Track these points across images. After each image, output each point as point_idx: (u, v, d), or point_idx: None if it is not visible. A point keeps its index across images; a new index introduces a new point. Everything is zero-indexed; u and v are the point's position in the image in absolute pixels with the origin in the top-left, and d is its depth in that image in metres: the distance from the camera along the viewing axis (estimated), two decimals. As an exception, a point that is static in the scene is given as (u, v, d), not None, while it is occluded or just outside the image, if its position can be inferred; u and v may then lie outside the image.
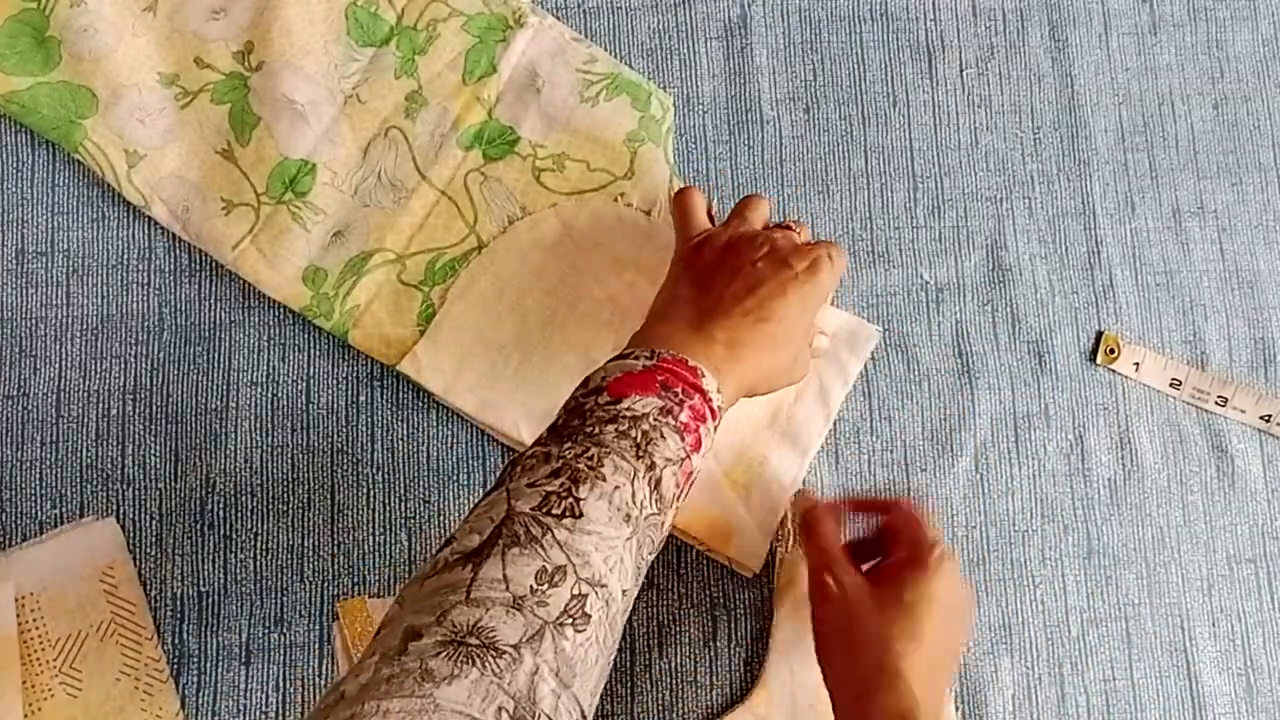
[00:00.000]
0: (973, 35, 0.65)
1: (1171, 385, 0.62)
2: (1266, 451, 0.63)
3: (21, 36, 0.59)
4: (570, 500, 0.41)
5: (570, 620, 0.39)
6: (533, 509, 0.40)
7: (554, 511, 0.40)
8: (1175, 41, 0.66)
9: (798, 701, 0.57)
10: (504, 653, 0.36)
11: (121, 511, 0.57)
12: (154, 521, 0.57)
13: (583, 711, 0.38)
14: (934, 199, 0.64)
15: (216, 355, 0.59)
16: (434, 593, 0.39)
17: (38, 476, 0.57)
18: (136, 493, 0.57)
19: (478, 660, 0.36)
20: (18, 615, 0.54)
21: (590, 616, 0.39)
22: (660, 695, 0.58)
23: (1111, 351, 0.62)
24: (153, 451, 0.58)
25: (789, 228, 0.55)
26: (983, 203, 0.64)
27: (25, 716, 0.53)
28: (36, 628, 0.55)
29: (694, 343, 0.48)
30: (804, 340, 0.54)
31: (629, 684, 0.58)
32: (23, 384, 0.58)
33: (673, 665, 0.58)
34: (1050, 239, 0.64)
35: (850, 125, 0.64)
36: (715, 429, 0.47)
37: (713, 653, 0.58)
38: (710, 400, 0.47)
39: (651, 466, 0.43)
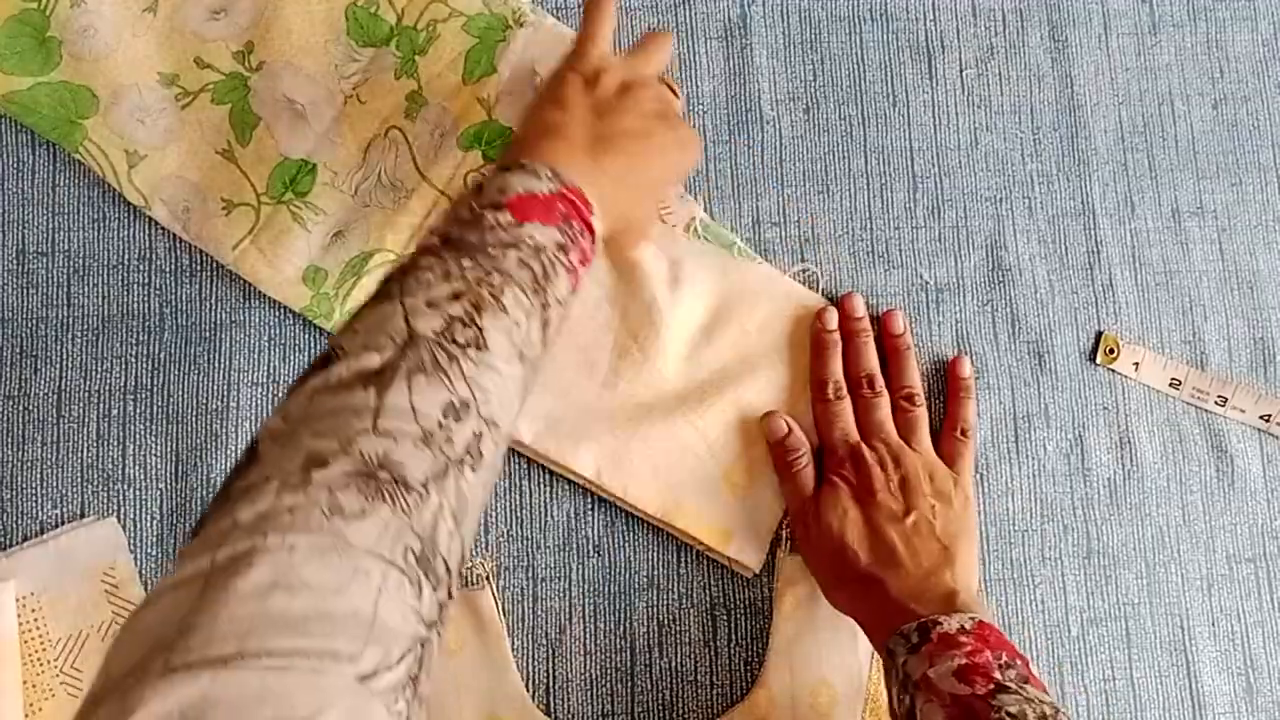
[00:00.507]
0: (973, 35, 0.65)
1: (1171, 385, 0.62)
2: (1266, 451, 0.63)
3: (22, 36, 0.59)
4: (475, 330, 0.38)
5: (470, 459, 0.37)
6: (436, 333, 0.38)
7: (459, 340, 0.38)
8: (1175, 41, 0.66)
9: (798, 701, 0.57)
10: (413, 489, 0.34)
11: (122, 512, 0.57)
12: (155, 522, 0.57)
13: (464, 554, 0.37)
14: (934, 199, 0.64)
15: (217, 355, 0.59)
16: (333, 414, 0.36)
17: (39, 477, 0.57)
18: (137, 493, 0.57)
19: (388, 496, 0.34)
20: (19, 615, 0.54)
21: (484, 456, 0.37)
22: (660, 695, 0.58)
23: (1111, 351, 0.62)
24: (154, 452, 0.58)
25: (674, 90, 0.55)
26: (982, 203, 0.64)
27: (26, 716, 0.53)
28: (37, 628, 0.55)
29: (590, 172, 0.46)
30: (657, 204, 0.56)
31: (629, 684, 0.58)
32: (24, 384, 0.58)
33: (673, 665, 0.58)
34: (1050, 239, 0.64)
35: (850, 125, 0.64)
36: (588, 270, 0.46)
37: (713, 653, 0.58)
38: (594, 243, 0.46)
39: (545, 305, 0.41)
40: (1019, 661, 0.46)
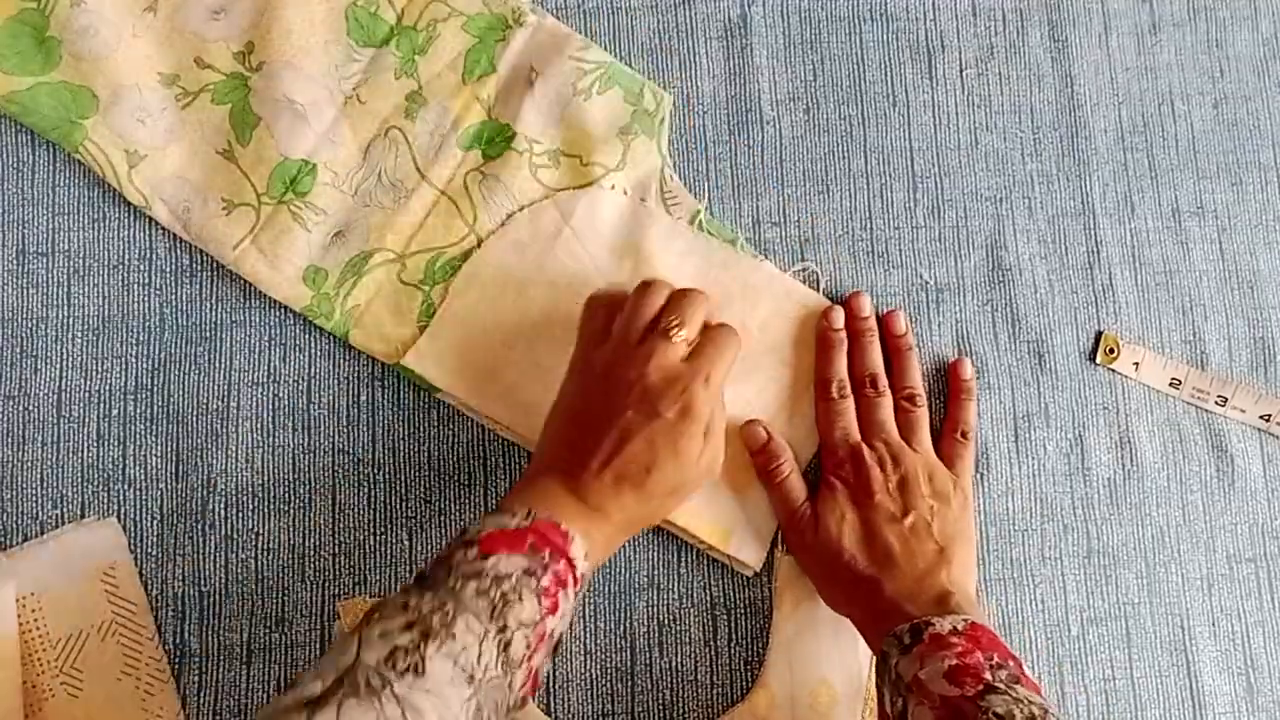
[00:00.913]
0: (973, 35, 0.65)
1: (1171, 385, 0.62)
2: (1266, 451, 0.63)
3: (22, 36, 0.59)
4: (416, 657, 0.42)
5: None
6: (378, 660, 0.41)
7: (397, 666, 0.41)
8: (1175, 41, 0.66)
9: (798, 702, 0.57)
10: None
11: (122, 512, 0.57)
12: (155, 521, 0.57)
13: None
14: (934, 199, 0.64)
15: (217, 355, 0.59)
16: None
17: (39, 477, 0.57)
18: (137, 493, 0.57)
19: None
20: (18, 615, 0.54)
21: None
22: (660, 695, 0.58)
23: (1111, 351, 0.62)
24: (154, 452, 0.58)
25: (682, 315, 0.53)
26: (982, 203, 0.64)
27: (26, 716, 0.53)
28: (37, 628, 0.55)
29: (567, 505, 0.49)
30: (687, 470, 0.51)
31: (629, 684, 0.58)
32: (24, 384, 0.58)
33: (673, 665, 0.58)
34: (1050, 239, 0.64)
35: (850, 125, 0.64)
36: (577, 593, 0.48)
37: (713, 653, 0.58)
38: (575, 566, 0.48)
39: (504, 629, 0.44)
40: (1011, 662, 0.47)
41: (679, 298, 0.54)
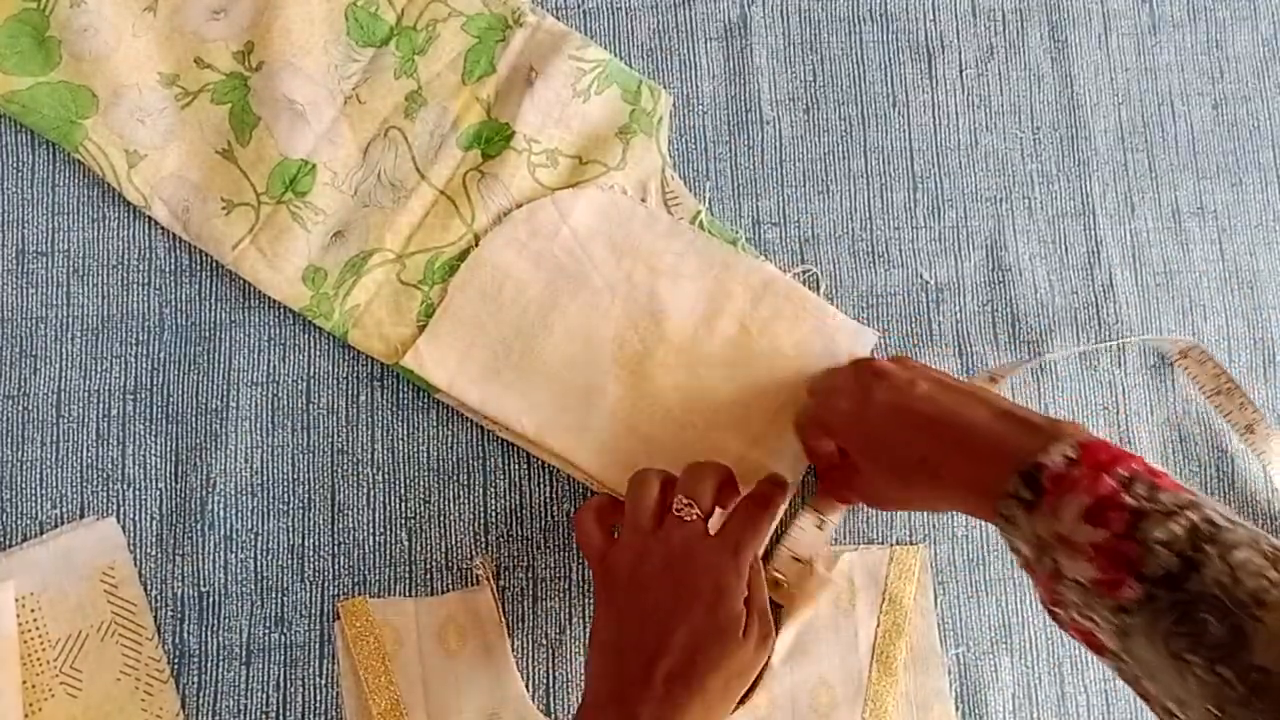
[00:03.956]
0: (973, 35, 0.65)
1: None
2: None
3: (21, 36, 0.59)
4: None
5: None
6: None
7: None
8: (1175, 41, 0.66)
9: (798, 702, 0.57)
10: None
11: (122, 511, 0.57)
12: (154, 521, 0.57)
13: None
14: (934, 199, 0.64)
15: (217, 355, 0.59)
16: None
17: (38, 476, 0.57)
18: (137, 493, 0.57)
19: None
20: (18, 615, 0.54)
21: None
22: (660, 695, 0.58)
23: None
24: (153, 451, 0.58)
25: (689, 492, 0.51)
26: (982, 203, 0.64)
27: (26, 716, 0.53)
28: (37, 627, 0.55)
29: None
30: (737, 651, 0.48)
31: (629, 684, 0.58)
32: (23, 384, 0.58)
33: (673, 665, 0.58)
34: (1050, 239, 0.64)
35: (850, 125, 0.64)
36: None
37: (713, 652, 0.58)
38: None
39: None
40: (1136, 465, 0.41)
41: (685, 477, 0.52)
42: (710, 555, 0.49)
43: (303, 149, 0.60)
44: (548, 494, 0.59)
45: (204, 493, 0.58)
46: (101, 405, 0.58)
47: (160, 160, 0.59)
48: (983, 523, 0.60)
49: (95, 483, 0.57)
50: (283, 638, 0.57)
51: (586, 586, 0.58)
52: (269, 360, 0.59)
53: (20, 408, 0.58)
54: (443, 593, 0.57)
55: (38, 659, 0.54)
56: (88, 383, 0.58)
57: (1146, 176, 0.65)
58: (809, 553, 0.58)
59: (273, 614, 0.57)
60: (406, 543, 0.58)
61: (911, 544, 0.59)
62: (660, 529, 0.50)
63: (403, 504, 0.58)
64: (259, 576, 0.57)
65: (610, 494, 0.57)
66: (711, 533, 0.51)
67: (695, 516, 0.50)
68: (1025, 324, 0.63)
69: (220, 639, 0.56)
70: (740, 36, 0.64)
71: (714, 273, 0.60)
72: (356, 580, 0.57)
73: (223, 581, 0.57)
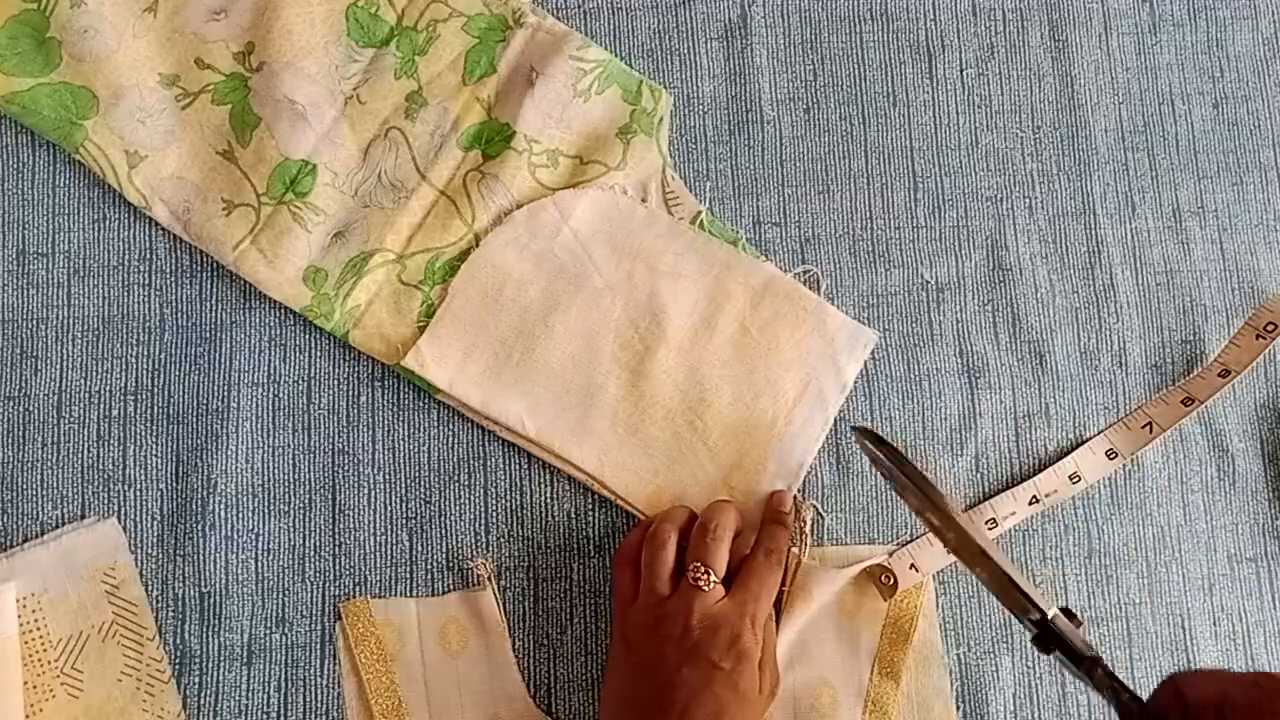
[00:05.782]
0: (973, 35, 0.65)
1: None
2: (1267, 450, 0.63)
3: (22, 37, 0.59)
4: None
5: None
6: None
7: None
8: (1175, 41, 0.66)
9: (798, 702, 0.57)
10: None
11: (123, 512, 0.57)
12: (155, 522, 0.57)
13: None
14: (934, 199, 0.64)
15: (217, 356, 0.59)
16: None
17: (39, 477, 0.57)
18: (138, 493, 0.57)
19: None
20: (19, 616, 0.54)
21: None
22: (661, 695, 0.58)
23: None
24: (154, 452, 0.58)
25: (704, 559, 0.52)
26: (983, 203, 0.64)
27: (27, 717, 0.53)
28: (38, 628, 0.55)
29: None
30: (754, 707, 0.50)
31: (630, 684, 0.58)
32: (24, 385, 0.58)
33: (673, 665, 0.58)
34: (1050, 239, 0.64)
35: (850, 125, 0.64)
36: None
37: (713, 652, 0.58)
38: None
39: None
40: None
41: (698, 541, 0.53)
42: (727, 622, 0.51)
43: (303, 149, 0.60)
44: (548, 494, 0.59)
45: (205, 493, 0.58)
46: (102, 406, 0.58)
47: (161, 161, 0.59)
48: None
49: (96, 483, 0.57)
50: (284, 638, 0.57)
51: (587, 586, 0.58)
52: (270, 361, 0.59)
53: (21, 408, 0.58)
54: (444, 593, 0.58)
55: (39, 660, 0.54)
56: (89, 383, 0.58)
57: (1147, 176, 0.65)
58: (926, 567, 0.58)
59: (274, 614, 0.57)
60: (407, 543, 0.58)
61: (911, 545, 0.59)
62: (676, 594, 0.52)
63: (404, 504, 0.58)
64: (260, 577, 0.57)
65: (642, 521, 0.57)
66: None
67: (712, 585, 0.52)
68: (1026, 324, 0.63)
69: (222, 639, 0.56)
70: (740, 36, 0.64)
71: (714, 273, 0.60)
72: (357, 581, 0.58)
73: (224, 582, 0.57)
